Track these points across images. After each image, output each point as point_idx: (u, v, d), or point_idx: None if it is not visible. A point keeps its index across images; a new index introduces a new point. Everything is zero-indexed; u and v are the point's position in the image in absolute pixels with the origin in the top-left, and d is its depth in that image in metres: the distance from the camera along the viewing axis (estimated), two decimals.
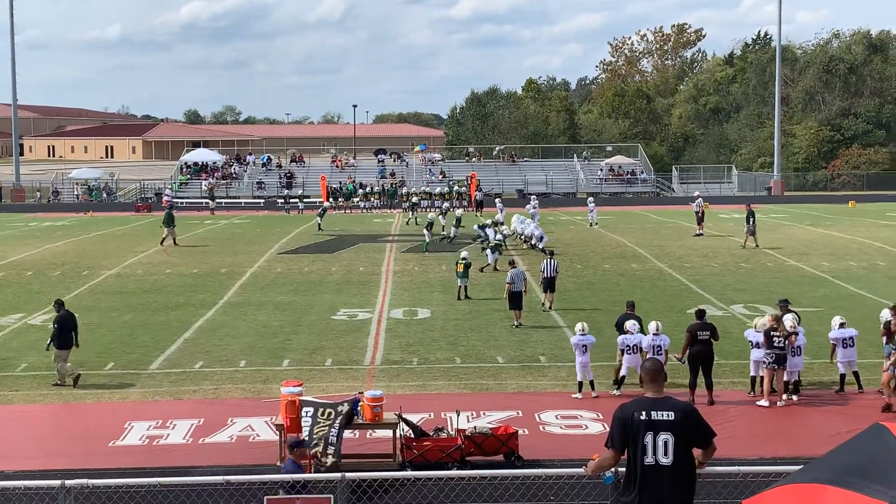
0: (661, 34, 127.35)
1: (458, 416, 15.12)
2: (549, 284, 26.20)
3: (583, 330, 18.17)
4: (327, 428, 13.67)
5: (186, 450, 15.10)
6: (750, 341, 17.97)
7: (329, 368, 20.13)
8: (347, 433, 14.31)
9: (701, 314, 18.22)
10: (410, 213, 55.15)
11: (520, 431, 14.87)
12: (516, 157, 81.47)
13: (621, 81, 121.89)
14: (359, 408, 14.22)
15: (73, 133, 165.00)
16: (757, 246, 38.61)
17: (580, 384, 17.82)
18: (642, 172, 76.66)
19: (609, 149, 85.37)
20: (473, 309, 26.51)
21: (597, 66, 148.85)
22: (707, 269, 33.77)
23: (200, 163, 78.23)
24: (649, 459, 7.60)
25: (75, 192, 73.94)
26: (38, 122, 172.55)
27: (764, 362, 17.21)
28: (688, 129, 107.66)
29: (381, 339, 22.86)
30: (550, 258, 26.55)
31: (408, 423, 14.50)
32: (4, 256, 38.72)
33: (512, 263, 25.99)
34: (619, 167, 77.07)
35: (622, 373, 17.94)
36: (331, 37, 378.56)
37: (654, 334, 17.86)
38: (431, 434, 14.57)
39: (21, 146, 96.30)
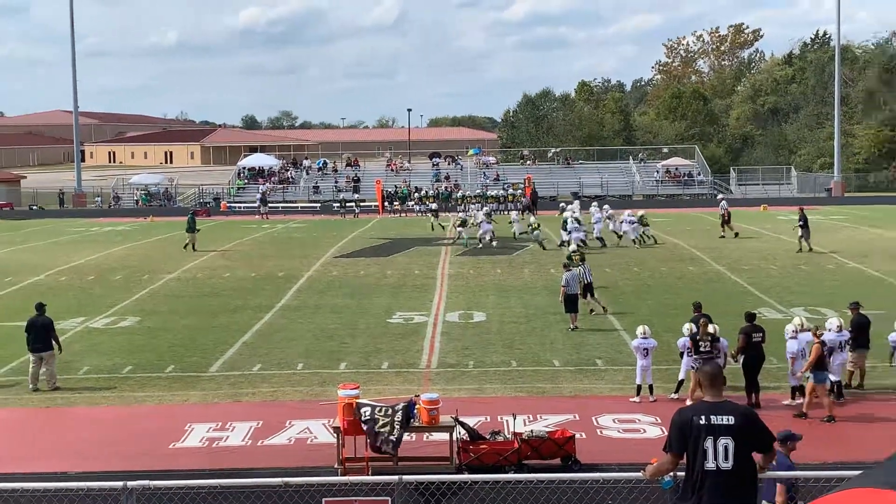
0: (717, 34, 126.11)
1: (515, 419, 15.08)
2: (588, 290, 25.57)
3: (644, 333, 18.06)
4: (389, 425, 13.77)
5: (245, 452, 15.25)
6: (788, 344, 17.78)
7: (385, 371, 20.20)
8: (404, 436, 14.35)
9: (752, 317, 18.01)
10: (433, 217, 51.58)
11: (577, 435, 14.79)
12: (571, 160, 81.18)
13: (677, 82, 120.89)
14: (415, 411, 14.25)
15: (133, 139, 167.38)
16: (811, 250, 37.93)
17: (639, 387, 17.71)
18: (699, 174, 75.94)
19: (665, 150, 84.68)
20: (529, 312, 26.44)
21: (652, 68, 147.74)
22: (766, 272, 33.35)
23: (257, 167, 79.03)
24: (710, 464, 7.51)
25: (135, 198, 75.11)
26: (99, 128, 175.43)
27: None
28: (746, 130, 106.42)
29: (436, 343, 22.89)
30: (583, 263, 26.22)
31: (464, 426, 14.49)
32: (67, 261, 39.41)
33: (567, 266, 25.74)
34: (676, 169, 76.41)
35: (680, 376, 17.80)
36: (385, 41, 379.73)
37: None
38: (488, 437, 14.56)
39: (82, 152, 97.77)
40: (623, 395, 18.03)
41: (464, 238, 42.66)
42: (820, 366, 16.42)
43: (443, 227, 49.23)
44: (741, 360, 17.51)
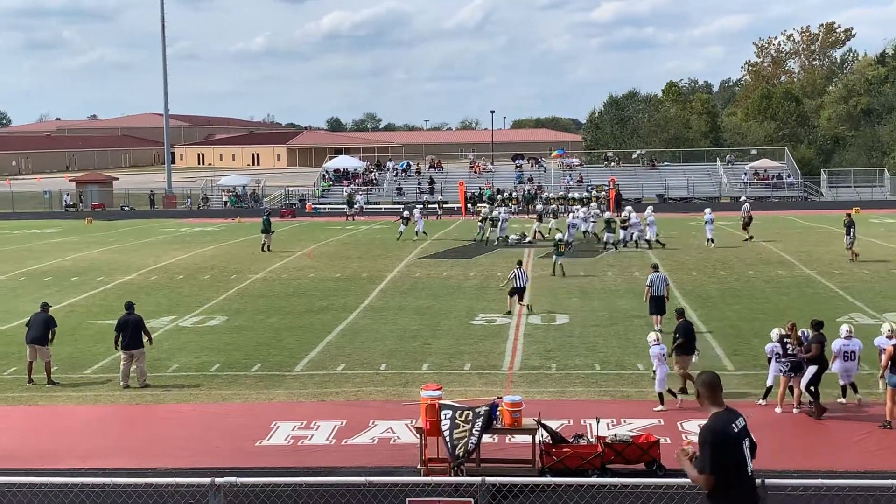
0: (808, 34, 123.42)
1: (598, 423, 14.95)
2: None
3: (657, 340, 17.90)
4: (467, 433, 13.70)
5: (330, 450, 15.38)
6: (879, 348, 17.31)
7: (468, 373, 20.21)
8: (486, 438, 14.33)
9: (820, 325, 17.50)
10: (485, 224, 46.84)
11: (661, 440, 14.60)
12: (656, 162, 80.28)
13: (766, 82, 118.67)
14: (497, 413, 14.22)
15: (222, 141, 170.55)
16: (857, 256, 36.62)
17: (661, 396, 17.41)
18: (789, 176, 74.42)
19: (754, 152, 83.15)
20: (612, 315, 26.20)
21: (741, 68, 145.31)
22: (857, 276, 32.54)
23: (342, 169, 79.78)
24: (750, 467, 7.61)
25: (223, 199, 76.43)
26: (189, 130, 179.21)
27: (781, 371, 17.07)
28: (838, 132, 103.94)
29: (519, 345, 22.82)
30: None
31: (547, 429, 14.40)
32: (157, 260, 40.28)
33: (655, 267, 25.37)
34: (765, 171, 75.00)
35: (768, 382, 17.47)
36: (469, 43, 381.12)
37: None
38: (570, 441, 14.45)
39: (172, 154, 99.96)
40: None
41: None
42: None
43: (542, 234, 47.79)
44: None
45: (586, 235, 45.42)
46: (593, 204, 56.84)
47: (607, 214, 49.32)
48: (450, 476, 13.18)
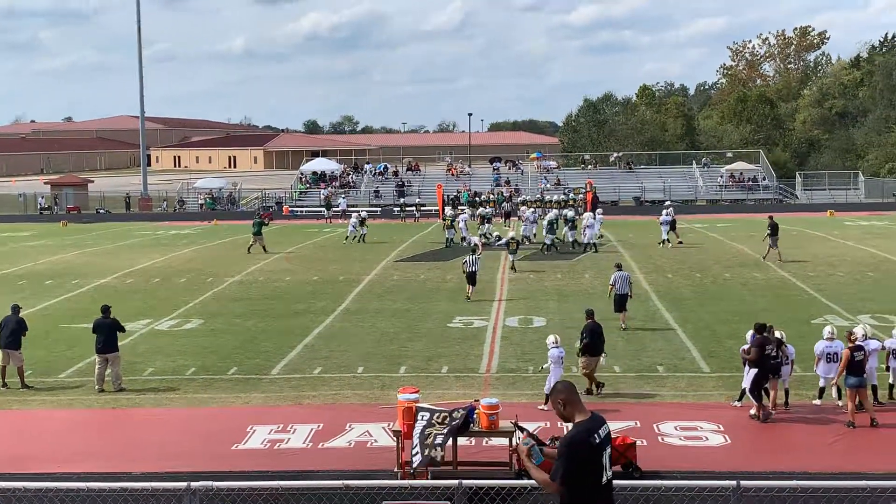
0: (782, 37, 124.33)
1: None
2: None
3: (556, 342, 18.01)
4: (438, 436, 13.68)
5: (306, 454, 15.35)
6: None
7: (445, 376, 20.21)
8: (464, 440, 14.33)
9: (762, 328, 17.47)
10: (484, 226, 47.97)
11: (638, 442, 14.66)
12: (633, 164, 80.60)
13: (742, 86, 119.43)
14: (475, 415, 14.23)
15: (198, 144, 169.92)
16: (771, 258, 37.10)
17: (546, 397, 17.46)
18: (764, 179, 74.92)
19: (729, 155, 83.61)
20: None
21: (717, 71, 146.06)
22: (833, 278, 32.79)
23: (319, 172, 79.66)
24: (607, 475, 7.31)
25: (199, 202, 76.16)
26: (165, 133, 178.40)
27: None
28: (812, 135, 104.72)
29: (496, 347, 22.85)
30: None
31: (524, 431, 14.40)
32: (133, 263, 40.07)
33: (618, 266, 25.88)
34: (740, 174, 75.46)
35: (744, 384, 17.56)
36: (447, 45, 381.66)
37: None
38: (548, 443, 14.46)
39: (148, 157, 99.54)
40: (686, 402, 17.84)
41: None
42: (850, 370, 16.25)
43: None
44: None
45: (527, 240, 44.84)
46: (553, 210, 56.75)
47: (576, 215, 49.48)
48: (426, 478, 13.17)
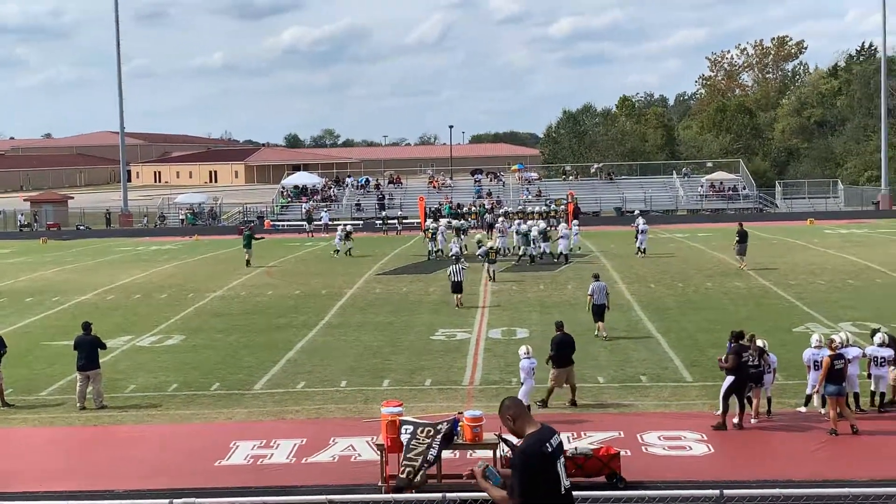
0: (760, 47, 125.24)
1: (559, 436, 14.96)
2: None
3: (528, 353, 17.89)
4: (425, 447, 13.66)
5: (290, 469, 15.28)
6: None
7: (428, 388, 20.19)
8: (447, 453, 14.31)
9: (739, 336, 17.54)
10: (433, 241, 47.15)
11: (622, 452, 14.68)
12: (614, 175, 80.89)
13: (721, 96, 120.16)
14: (458, 428, 14.22)
15: (178, 159, 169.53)
16: (741, 267, 37.32)
17: (528, 407, 17.46)
18: (744, 188, 75.31)
19: (709, 165, 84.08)
20: (571, 328, 26.23)
21: (696, 81, 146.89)
22: (814, 286, 32.96)
23: (300, 186, 79.61)
24: (565, 484, 7.20)
25: (180, 217, 75.96)
26: (145, 148, 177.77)
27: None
28: (791, 144, 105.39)
29: (479, 360, 22.85)
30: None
31: (508, 443, 14.35)
32: (113, 280, 39.88)
33: (596, 277, 26.18)
34: (721, 183, 75.83)
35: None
36: (428, 58, 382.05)
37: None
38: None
39: (128, 172, 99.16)
40: (669, 411, 17.87)
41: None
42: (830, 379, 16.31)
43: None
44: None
45: (507, 251, 45.24)
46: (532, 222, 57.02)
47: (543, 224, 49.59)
48: (410, 492, 13.14)
